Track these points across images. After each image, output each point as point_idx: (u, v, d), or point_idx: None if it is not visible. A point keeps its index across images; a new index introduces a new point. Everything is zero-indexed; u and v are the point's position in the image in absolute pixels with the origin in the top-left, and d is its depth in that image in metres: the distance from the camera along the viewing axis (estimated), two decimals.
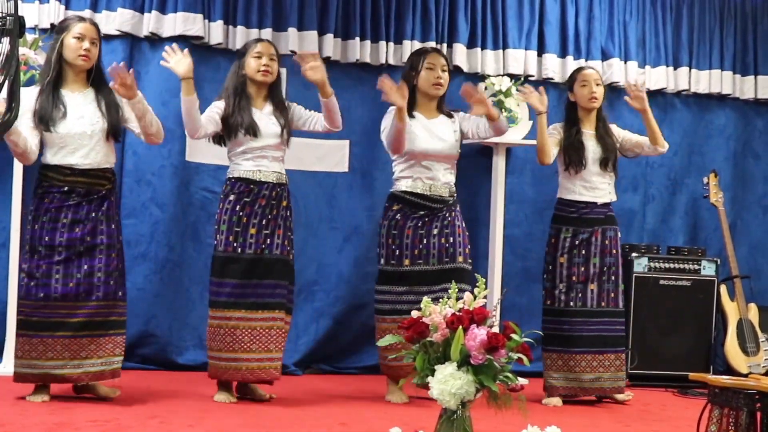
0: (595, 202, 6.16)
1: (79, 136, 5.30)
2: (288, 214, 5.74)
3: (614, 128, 6.36)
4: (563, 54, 7.47)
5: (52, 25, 6.52)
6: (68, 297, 5.28)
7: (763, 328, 7.15)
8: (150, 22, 6.65)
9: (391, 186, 6.03)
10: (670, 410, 6.06)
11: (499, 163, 7.21)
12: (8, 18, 3.54)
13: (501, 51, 7.34)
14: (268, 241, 5.63)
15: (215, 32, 6.78)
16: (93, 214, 5.34)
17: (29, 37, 6.33)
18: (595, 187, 6.17)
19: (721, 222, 7.31)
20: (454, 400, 3.99)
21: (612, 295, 6.13)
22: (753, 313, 7.20)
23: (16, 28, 3.48)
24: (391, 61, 7.11)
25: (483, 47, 7.32)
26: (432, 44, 7.11)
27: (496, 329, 4.12)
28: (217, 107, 5.71)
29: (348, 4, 7.05)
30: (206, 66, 6.82)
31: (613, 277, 6.13)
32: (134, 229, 6.70)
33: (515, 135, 7.05)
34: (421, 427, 4.21)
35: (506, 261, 7.18)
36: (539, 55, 7.45)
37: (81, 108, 5.35)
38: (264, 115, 5.72)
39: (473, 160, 7.28)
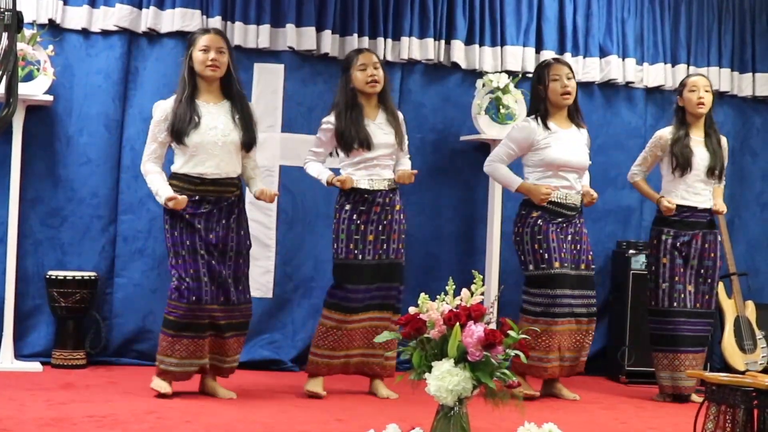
0: (696, 207, 6.32)
1: (211, 146, 5.44)
2: (401, 217, 5.94)
3: (723, 140, 6.50)
4: (561, 51, 7.47)
5: (49, 20, 6.51)
6: (216, 300, 5.47)
7: (760, 325, 7.15)
8: (148, 18, 6.65)
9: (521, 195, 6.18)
10: (667, 407, 6.06)
11: None
12: (6, 13, 3.54)
13: (499, 48, 7.34)
14: (384, 246, 5.84)
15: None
16: (224, 221, 5.50)
17: (27, 32, 6.33)
18: (698, 193, 6.33)
19: (718, 220, 7.30)
20: (451, 397, 3.99)
21: (707, 297, 6.33)
22: (750, 311, 7.19)
23: (15, 23, 3.48)
24: (390, 58, 7.11)
25: (481, 44, 7.31)
26: (430, 41, 7.12)
27: (493, 326, 4.12)
28: (327, 128, 5.91)
29: (346, 1, 7.04)
30: None
31: (709, 280, 6.32)
32: (131, 225, 6.70)
33: None
34: (418, 423, 4.21)
35: (503, 258, 7.18)
36: (537, 51, 7.44)
37: (215, 119, 5.49)
38: (377, 126, 5.88)
39: (470, 156, 7.28)
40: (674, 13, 7.75)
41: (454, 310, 4.09)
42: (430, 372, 4.05)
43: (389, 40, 7.13)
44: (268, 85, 6.93)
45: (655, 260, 6.35)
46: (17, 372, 6.13)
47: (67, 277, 6.37)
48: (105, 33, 6.67)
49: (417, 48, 7.15)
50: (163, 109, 5.53)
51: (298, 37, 6.93)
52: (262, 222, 6.85)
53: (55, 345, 6.45)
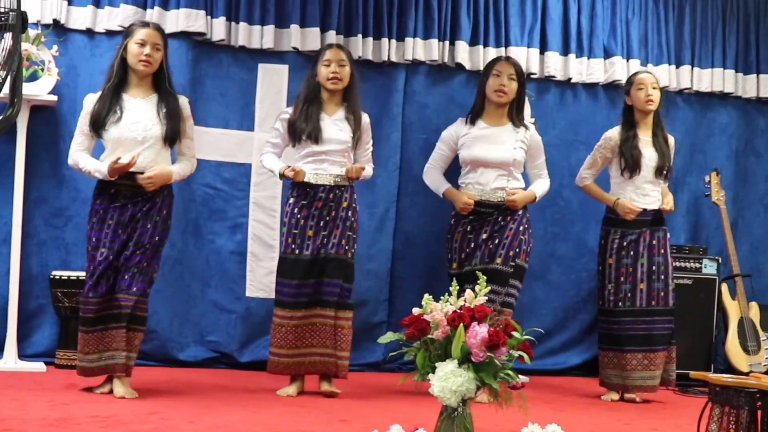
0: (645, 209, 6.30)
1: (130, 142, 5.37)
2: (349, 214, 5.87)
3: (671, 139, 6.50)
4: (565, 52, 7.47)
5: (54, 20, 6.52)
6: (110, 292, 5.38)
7: (764, 326, 7.15)
8: (153, 19, 6.62)
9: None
10: (670, 408, 6.06)
11: None
12: (11, 13, 3.54)
13: (503, 48, 7.33)
14: (325, 241, 5.78)
15: (217, 29, 6.77)
16: (137, 216, 5.42)
17: (32, 32, 6.33)
18: (646, 194, 6.33)
19: (722, 220, 7.31)
20: (454, 398, 3.99)
21: (662, 294, 6.27)
22: (754, 312, 7.20)
23: (19, 23, 3.48)
24: (393, 58, 7.11)
25: (485, 45, 7.31)
26: (434, 42, 7.13)
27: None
28: (283, 118, 5.95)
29: (350, 1, 7.05)
30: (208, 62, 6.83)
31: (662, 276, 6.27)
32: None
33: None
34: (421, 424, 4.20)
35: None
36: (541, 52, 7.44)
37: (139, 113, 5.41)
38: (332, 121, 5.86)
39: None
40: (679, 14, 7.74)
41: (458, 311, 4.08)
42: (433, 373, 4.04)
43: (393, 41, 7.13)
44: (272, 86, 6.94)
45: (602, 260, 6.35)
46: (21, 372, 6.13)
47: (71, 277, 6.37)
48: (109, 33, 6.67)
49: (421, 49, 7.15)
50: (91, 100, 5.48)
51: (303, 37, 6.93)
52: (265, 222, 6.86)
53: (58, 345, 6.45)
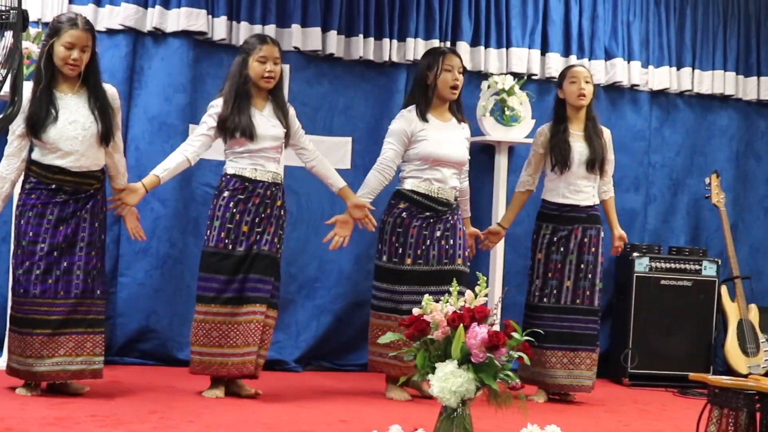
0: (578, 205, 6.18)
1: (70, 141, 5.23)
2: (281, 213, 5.74)
3: (606, 132, 6.34)
4: (566, 53, 7.47)
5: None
6: (47, 293, 5.24)
7: (763, 328, 7.16)
8: (153, 18, 6.64)
9: (395, 183, 6.04)
10: (670, 410, 6.07)
11: (501, 162, 7.20)
12: (12, 11, 3.54)
13: (504, 50, 7.34)
14: (258, 237, 5.63)
15: (218, 28, 6.76)
16: (78, 213, 5.31)
17: (32, 30, 6.32)
18: (579, 190, 6.19)
19: (722, 223, 7.31)
20: (454, 398, 3.99)
21: (587, 293, 6.15)
22: (753, 314, 7.20)
23: (20, 21, 3.48)
24: (395, 59, 7.12)
25: (486, 46, 7.31)
26: (436, 42, 7.12)
27: (497, 327, 4.12)
28: (214, 112, 5.67)
29: (352, 1, 7.04)
30: (209, 62, 6.83)
31: (590, 275, 6.15)
32: None
33: (518, 134, 7.06)
34: (421, 424, 4.21)
35: (507, 259, 7.18)
36: (542, 54, 7.44)
37: (73, 112, 5.28)
38: (264, 117, 5.69)
39: (475, 158, 7.25)
40: (680, 16, 7.75)
41: (458, 311, 4.08)
42: (433, 373, 4.04)
43: (395, 41, 7.13)
44: None
45: (532, 255, 6.26)
46: None
47: None
48: (110, 32, 6.67)
49: (422, 49, 7.11)
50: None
51: (304, 37, 6.93)
52: None
53: None
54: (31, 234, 5.25)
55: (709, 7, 7.81)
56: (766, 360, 7.09)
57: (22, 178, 5.35)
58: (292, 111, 5.84)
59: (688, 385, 6.31)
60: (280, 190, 5.73)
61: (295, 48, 6.91)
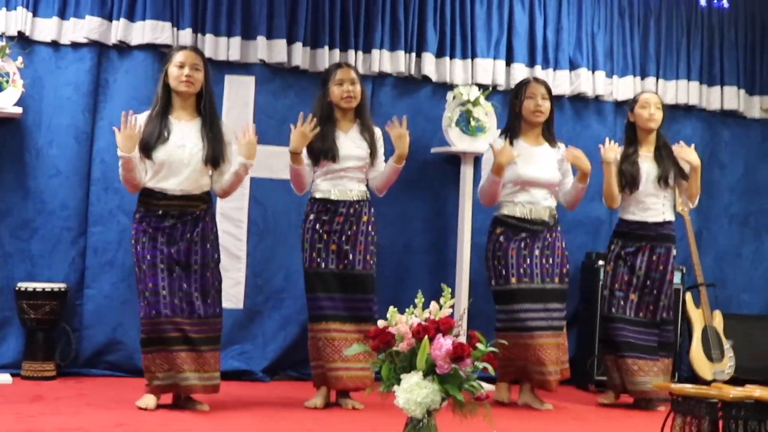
0: (646, 222, 6.43)
1: (177, 164, 5.43)
2: (369, 229, 5.92)
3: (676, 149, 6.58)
4: (531, 64, 7.52)
5: (19, 32, 6.50)
6: (175, 313, 5.44)
7: (727, 335, 7.20)
8: (118, 31, 6.64)
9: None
10: (635, 418, 6.10)
11: (467, 172, 7.23)
12: None
13: (470, 60, 7.39)
14: (351, 256, 5.84)
15: (184, 40, 6.76)
16: (188, 235, 5.48)
17: None
18: (647, 207, 6.46)
19: (687, 231, 7.34)
20: (419, 409, 4.00)
21: (651, 308, 6.43)
22: (718, 321, 7.25)
23: None
24: (361, 70, 7.12)
25: (452, 56, 7.36)
26: (401, 54, 7.15)
27: (462, 338, 4.14)
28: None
29: (317, 13, 7.06)
30: None
31: (654, 291, 6.43)
32: (101, 236, 6.70)
33: (483, 144, 7.08)
34: None
35: (473, 269, 7.20)
36: (507, 64, 7.49)
37: (185, 136, 5.48)
38: (348, 139, 5.92)
39: (441, 168, 7.32)
40: (644, 27, 7.83)
41: (423, 323, 4.10)
42: (398, 385, 4.06)
43: (360, 53, 7.16)
44: (239, 98, 6.94)
45: (605, 266, 6.59)
46: None
47: (37, 289, 6.36)
48: (75, 45, 6.67)
49: (388, 60, 7.19)
50: (139, 122, 5.52)
51: (269, 49, 6.94)
52: (232, 233, 6.86)
53: (25, 357, 6.44)
54: (149, 257, 5.44)
55: (673, 18, 7.89)
56: (730, 366, 7.13)
57: (135, 208, 5.56)
58: (378, 133, 6.06)
59: (655, 387, 6.36)
60: (365, 206, 5.93)
61: (261, 60, 6.93)
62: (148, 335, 5.45)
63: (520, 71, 7.45)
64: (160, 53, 6.71)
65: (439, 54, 7.35)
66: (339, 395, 5.91)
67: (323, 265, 5.84)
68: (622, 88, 7.71)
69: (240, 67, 6.96)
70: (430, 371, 4.03)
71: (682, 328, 7.29)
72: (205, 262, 5.53)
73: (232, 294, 6.86)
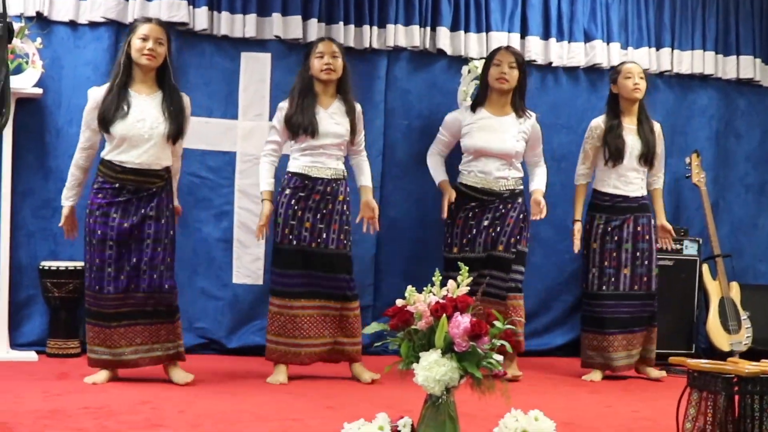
0: (629, 196, 6.45)
1: (136, 138, 5.46)
2: (344, 208, 5.95)
3: (656, 126, 6.63)
4: (546, 36, 7.52)
5: (37, 13, 6.54)
6: (119, 290, 5.49)
7: (744, 306, 7.24)
8: (135, 9, 6.66)
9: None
10: (651, 391, 6.15)
11: None
12: None
13: (484, 34, 7.39)
14: (324, 235, 5.86)
15: (200, 18, 6.80)
16: (143, 210, 5.51)
17: (15, 25, 6.31)
18: (630, 181, 6.47)
19: (703, 202, 7.38)
20: (438, 387, 4.05)
21: (645, 279, 6.44)
22: (735, 292, 7.29)
23: (5, 33, 3.51)
24: (375, 45, 7.16)
25: (466, 30, 7.36)
26: (416, 28, 7.18)
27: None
28: (279, 116, 5.98)
29: None
30: (191, 52, 6.86)
31: (646, 262, 6.44)
32: None
33: None
34: (406, 411, 4.28)
35: None
36: (522, 37, 7.49)
37: (144, 110, 5.50)
38: (327, 115, 5.93)
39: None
40: None
41: (441, 301, 4.15)
42: (417, 362, 4.11)
43: (375, 28, 7.17)
44: (255, 74, 6.98)
45: (586, 245, 6.52)
46: (13, 361, 6.21)
47: (60, 268, 6.44)
48: (92, 24, 6.70)
49: (402, 35, 7.20)
50: (94, 96, 5.57)
51: (284, 26, 6.96)
52: (251, 210, 6.90)
53: (49, 334, 6.53)
54: (99, 232, 5.48)
55: None
56: (747, 337, 7.18)
57: (93, 178, 5.60)
58: (358, 108, 6.08)
59: (672, 363, 6.40)
60: (341, 186, 5.93)
61: (276, 37, 6.95)
62: (89, 307, 5.55)
63: (535, 44, 7.46)
64: (176, 31, 6.74)
65: (454, 28, 7.35)
66: (352, 369, 6.01)
67: (295, 242, 5.86)
68: (637, 58, 7.67)
69: (256, 44, 6.99)
70: (448, 349, 4.08)
71: (699, 299, 7.33)
72: (158, 237, 5.55)
73: (252, 270, 6.93)
